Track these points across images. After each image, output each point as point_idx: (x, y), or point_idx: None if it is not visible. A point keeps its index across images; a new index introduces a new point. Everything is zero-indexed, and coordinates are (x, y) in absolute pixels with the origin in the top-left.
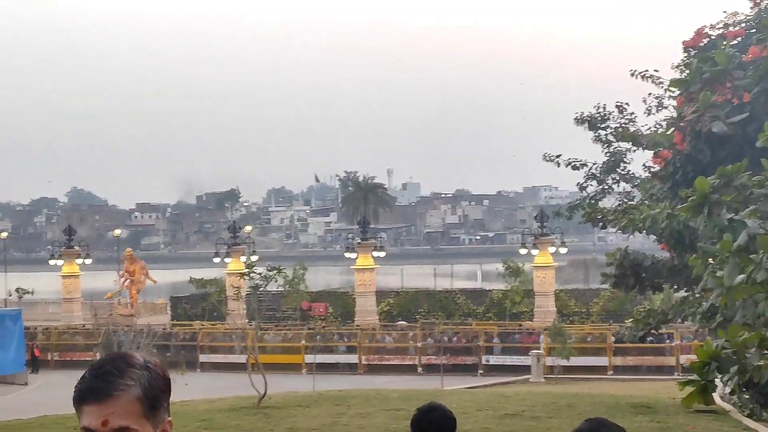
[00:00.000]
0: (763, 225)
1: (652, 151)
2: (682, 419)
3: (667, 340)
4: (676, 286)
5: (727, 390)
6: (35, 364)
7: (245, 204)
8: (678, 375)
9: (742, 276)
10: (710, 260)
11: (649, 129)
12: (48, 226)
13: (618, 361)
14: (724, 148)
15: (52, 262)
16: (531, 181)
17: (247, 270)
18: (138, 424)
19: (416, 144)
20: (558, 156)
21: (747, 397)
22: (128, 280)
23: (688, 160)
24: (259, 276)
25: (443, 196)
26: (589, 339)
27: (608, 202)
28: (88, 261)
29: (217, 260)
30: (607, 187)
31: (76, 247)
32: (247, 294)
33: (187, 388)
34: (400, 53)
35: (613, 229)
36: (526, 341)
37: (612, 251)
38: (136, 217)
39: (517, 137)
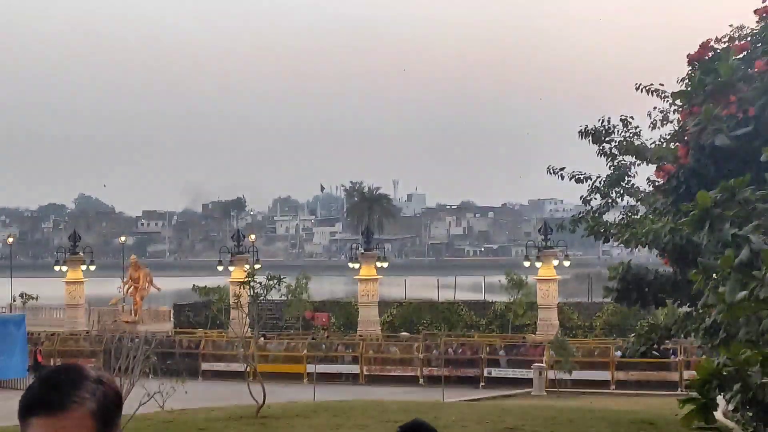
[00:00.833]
0: (766, 241)
1: (656, 165)
2: None
3: (673, 356)
4: (679, 302)
5: (730, 407)
6: (38, 369)
7: (251, 213)
8: (681, 391)
9: (744, 292)
10: (714, 275)
11: (653, 143)
12: (55, 232)
13: (621, 375)
14: (729, 163)
15: (56, 268)
16: (536, 194)
17: (247, 279)
18: None
19: (422, 155)
20: (562, 169)
21: (750, 415)
22: (132, 287)
23: (691, 175)
24: (259, 285)
25: (448, 207)
26: (596, 353)
27: (612, 216)
28: (93, 267)
29: (220, 268)
30: (611, 200)
31: (81, 254)
32: (248, 303)
33: (187, 397)
34: (405, 64)
35: (617, 244)
36: (532, 354)
37: (614, 265)
38: (142, 224)
39: (523, 150)
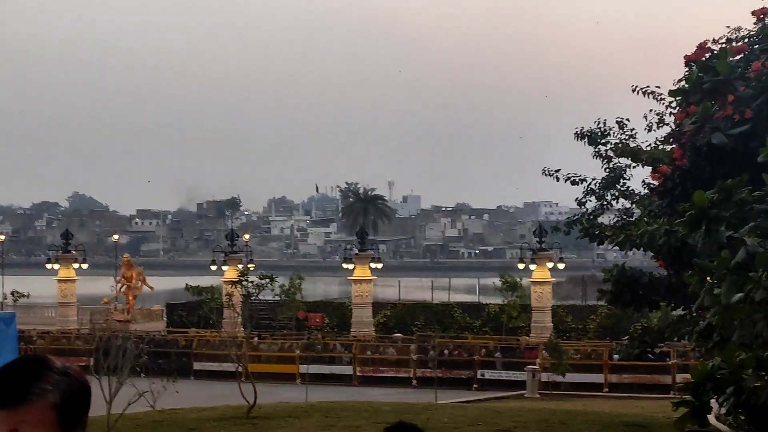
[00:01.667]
0: (762, 243)
1: (652, 167)
2: None
3: (667, 359)
4: (673, 304)
5: (723, 410)
6: None
7: (246, 213)
8: (674, 394)
9: (739, 294)
10: (709, 277)
11: (649, 145)
12: (48, 230)
13: (614, 378)
14: (725, 164)
15: (48, 266)
16: (531, 196)
17: (239, 278)
18: None
19: (418, 157)
20: (557, 171)
21: (743, 418)
22: (125, 286)
23: (687, 176)
24: (251, 284)
25: (443, 209)
26: (593, 356)
27: (607, 219)
28: (85, 266)
29: (214, 268)
30: (606, 203)
31: (74, 252)
32: (240, 302)
33: (179, 396)
34: (401, 65)
35: (611, 246)
36: (529, 356)
37: (609, 267)
38: (136, 223)
39: (519, 153)
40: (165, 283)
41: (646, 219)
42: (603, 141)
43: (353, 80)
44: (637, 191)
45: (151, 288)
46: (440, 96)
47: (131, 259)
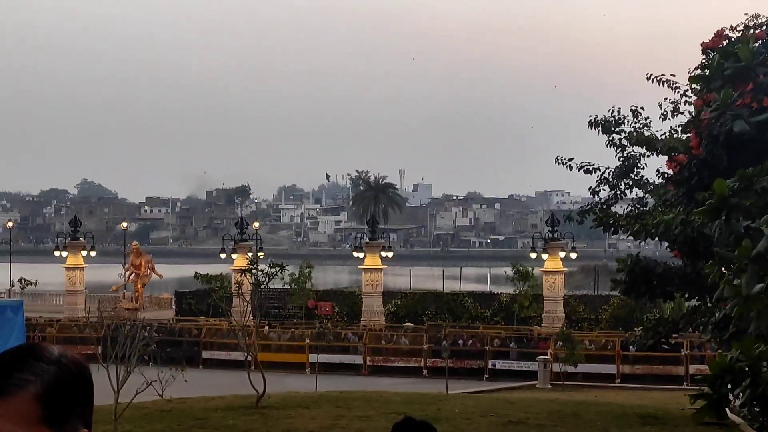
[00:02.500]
0: None
1: (667, 157)
2: (689, 431)
3: (682, 350)
4: (687, 295)
5: (738, 403)
6: None
7: (256, 201)
8: (687, 385)
9: (761, 285)
10: (724, 269)
11: (664, 134)
12: (57, 218)
13: (626, 369)
14: (743, 154)
15: (57, 253)
16: (543, 185)
17: (248, 266)
18: (32, 430)
19: (429, 145)
20: (570, 159)
21: (758, 410)
22: (134, 274)
23: (704, 166)
24: (261, 273)
25: (454, 198)
26: (609, 347)
27: (620, 208)
28: (93, 253)
29: (223, 256)
30: (619, 192)
31: (82, 239)
32: (249, 291)
33: (187, 385)
34: (413, 53)
35: (625, 235)
36: (543, 347)
37: (623, 257)
38: (145, 210)
39: (531, 141)
40: (174, 271)
41: (660, 208)
42: (617, 129)
43: (365, 69)
44: (651, 180)
45: (160, 276)
46: (452, 85)
47: (140, 246)
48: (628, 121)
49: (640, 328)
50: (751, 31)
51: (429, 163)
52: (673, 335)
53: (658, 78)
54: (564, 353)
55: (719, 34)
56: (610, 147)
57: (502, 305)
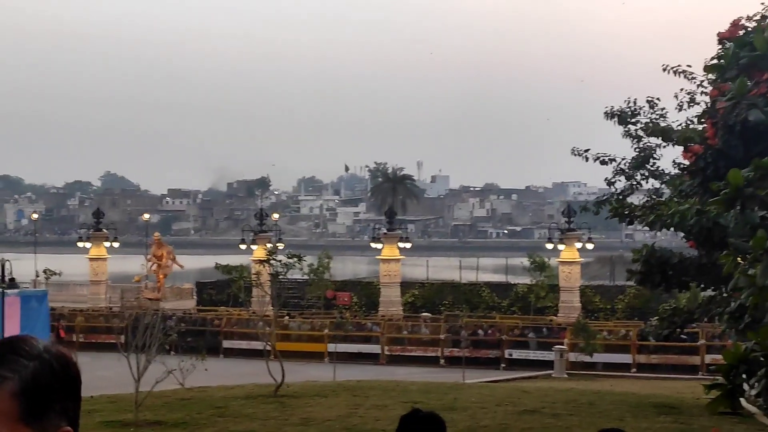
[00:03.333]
0: None
1: (683, 147)
2: (705, 421)
3: (699, 339)
4: (703, 285)
5: (754, 392)
6: (61, 345)
7: (275, 192)
8: (703, 374)
9: None
10: (741, 259)
11: (680, 125)
12: (81, 209)
13: (642, 358)
14: (758, 144)
15: (80, 244)
16: (560, 176)
17: (267, 257)
18: (9, 428)
19: (446, 137)
20: (586, 150)
21: None
22: (155, 265)
23: (719, 156)
24: (279, 263)
25: (472, 189)
26: (629, 337)
27: (636, 199)
28: (116, 244)
29: (243, 247)
30: (635, 183)
31: (105, 231)
32: (268, 281)
33: (208, 374)
34: (432, 46)
35: (641, 226)
36: (564, 337)
37: (638, 248)
38: (167, 202)
39: (548, 132)
40: (195, 262)
41: (676, 199)
42: (633, 120)
43: (383, 62)
44: (667, 171)
45: (181, 266)
46: (470, 77)
47: (162, 237)
48: (644, 112)
49: (656, 318)
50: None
51: (447, 154)
52: (689, 325)
53: (675, 69)
54: (583, 343)
55: (735, 24)
56: (626, 138)
57: (518, 295)
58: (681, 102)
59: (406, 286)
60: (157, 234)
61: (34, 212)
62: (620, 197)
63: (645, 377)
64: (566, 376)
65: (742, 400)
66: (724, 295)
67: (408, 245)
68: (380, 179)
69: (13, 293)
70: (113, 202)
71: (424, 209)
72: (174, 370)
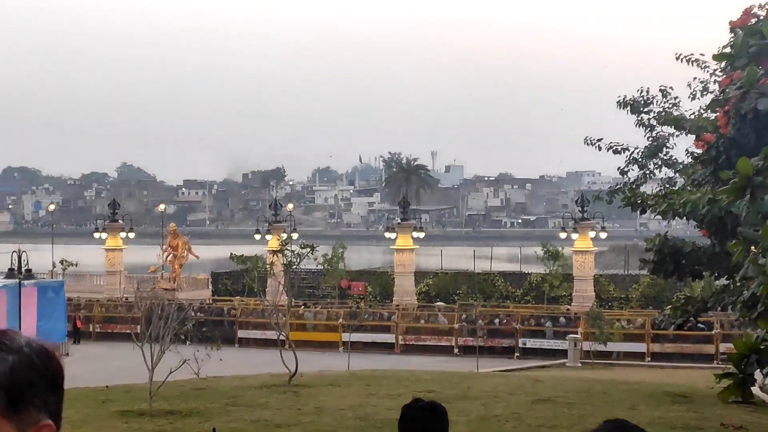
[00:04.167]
0: None
1: (695, 136)
2: (719, 410)
3: (717, 328)
4: (716, 274)
5: (766, 381)
6: (77, 335)
7: (290, 183)
8: (717, 363)
9: None
10: (752, 248)
11: (693, 114)
12: (97, 200)
13: (656, 347)
14: None
15: (96, 235)
16: (574, 166)
17: (280, 247)
18: None
19: (461, 127)
20: (599, 140)
21: None
22: (171, 255)
23: (731, 144)
24: (292, 253)
25: (486, 179)
26: (645, 326)
27: (650, 188)
28: (132, 235)
29: (258, 237)
30: (648, 172)
31: (121, 221)
32: (281, 271)
33: (222, 364)
34: (444, 37)
35: (654, 215)
36: (580, 325)
37: (651, 237)
38: (183, 193)
39: (562, 122)
40: (210, 252)
41: (689, 188)
42: (646, 109)
43: (396, 51)
44: (680, 160)
45: (196, 257)
46: (483, 66)
47: (177, 228)
48: (656, 101)
49: (669, 307)
50: None
51: (461, 144)
52: (704, 314)
53: (687, 57)
54: (602, 333)
55: (747, 13)
56: (639, 127)
57: (532, 285)
58: (694, 91)
59: (420, 275)
60: (172, 224)
61: (52, 203)
62: (633, 186)
63: (659, 366)
64: (580, 365)
65: (757, 388)
66: (738, 284)
67: (422, 235)
68: (394, 169)
69: (30, 284)
70: (129, 193)
71: (438, 199)
72: (188, 360)
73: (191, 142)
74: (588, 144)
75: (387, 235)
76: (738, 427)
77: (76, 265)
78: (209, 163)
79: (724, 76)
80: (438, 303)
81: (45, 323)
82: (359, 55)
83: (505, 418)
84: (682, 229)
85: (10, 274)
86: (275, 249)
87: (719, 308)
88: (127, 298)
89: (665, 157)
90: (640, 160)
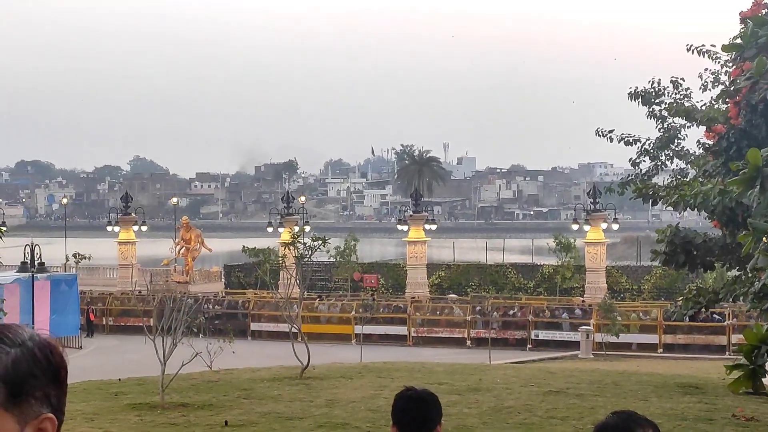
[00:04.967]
0: None
1: (706, 127)
2: (730, 401)
3: (734, 318)
4: (728, 265)
5: None
6: (90, 328)
7: (303, 175)
8: (729, 354)
9: None
10: (763, 238)
11: (704, 105)
12: (110, 194)
13: (668, 339)
14: None
15: (109, 228)
16: (586, 157)
17: (291, 240)
18: None
19: (473, 120)
20: (611, 131)
21: None
22: (184, 248)
23: (742, 135)
24: (304, 246)
25: (498, 171)
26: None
27: (662, 179)
28: (145, 228)
29: (270, 230)
30: (660, 163)
31: (133, 215)
32: (293, 263)
33: (235, 357)
34: (455, 29)
35: (665, 206)
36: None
37: (663, 228)
38: (195, 186)
39: (574, 113)
40: (223, 245)
41: (700, 179)
42: (657, 101)
43: (408, 43)
44: (692, 151)
45: (209, 250)
46: (495, 59)
47: (190, 221)
48: (668, 93)
49: (681, 298)
50: None
51: (473, 136)
52: (716, 305)
53: (699, 49)
54: (614, 324)
55: (758, 3)
56: (650, 118)
57: (544, 276)
58: (705, 82)
59: (432, 267)
60: (185, 217)
61: (65, 197)
62: (645, 178)
63: (672, 357)
64: (592, 356)
65: (765, 379)
66: (749, 275)
67: (434, 227)
68: (407, 161)
69: (43, 277)
70: (142, 186)
71: (450, 191)
72: (201, 353)
73: (204, 135)
74: (599, 135)
75: (399, 227)
76: (749, 418)
77: (89, 258)
78: (222, 156)
79: (735, 67)
80: (450, 295)
81: (58, 317)
82: (371, 48)
83: (517, 409)
84: (694, 220)
85: (24, 267)
86: (287, 242)
87: (731, 299)
88: (140, 291)
89: (677, 149)
90: (651, 151)
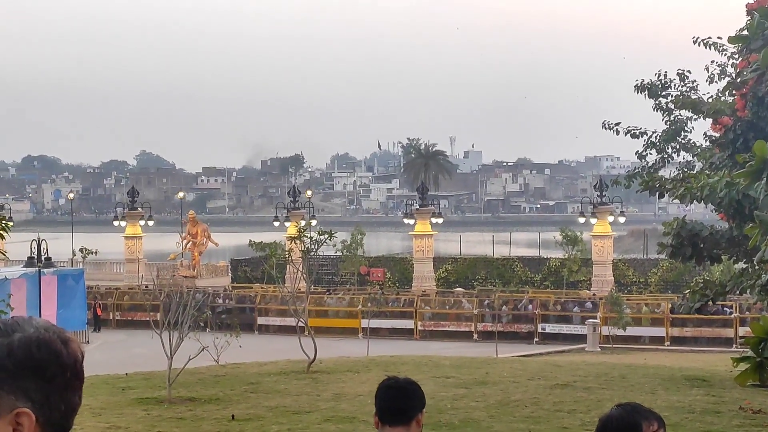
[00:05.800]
0: None
1: (713, 119)
2: (737, 393)
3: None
4: (735, 258)
5: None
6: (97, 323)
7: (309, 169)
8: (736, 347)
9: None
10: None
11: (711, 97)
12: (117, 188)
13: (675, 331)
14: None
15: (116, 223)
16: (593, 150)
17: (297, 234)
18: None
19: (479, 113)
20: (617, 124)
21: None
22: (190, 242)
23: (749, 127)
24: (310, 240)
25: (505, 164)
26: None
27: (668, 172)
28: (151, 223)
29: (277, 224)
30: (666, 156)
31: (140, 209)
32: (299, 258)
33: (242, 351)
34: (461, 22)
35: (671, 199)
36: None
37: (669, 221)
38: (202, 180)
39: (580, 106)
40: (230, 240)
41: (707, 171)
42: (663, 93)
43: (414, 38)
44: (698, 144)
45: (216, 244)
46: (501, 51)
47: (197, 215)
48: (674, 85)
49: (688, 291)
50: None
51: (479, 130)
52: (724, 298)
53: (705, 41)
54: (621, 317)
55: None
56: (657, 111)
57: (551, 270)
58: (712, 74)
59: (439, 261)
60: (192, 212)
61: (71, 192)
62: (651, 170)
63: (679, 350)
64: (599, 349)
65: None
66: (755, 267)
67: (440, 221)
68: (413, 155)
69: (50, 272)
70: (149, 180)
71: (457, 185)
72: (207, 347)
73: (210, 130)
74: (606, 128)
75: (406, 221)
76: (756, 411)
77: (96, 253)
78: (228, 150)
79: (741, 59)
80: (457, 289)
81: (65, 311)
82: (377, 41)
83: (524, 403)
84: (701, 213)
85: (30, 262)
86: (294, 236)
87: (738, 292)
88: (147, 286)
89: (683, 141)
90: (658, 144)
